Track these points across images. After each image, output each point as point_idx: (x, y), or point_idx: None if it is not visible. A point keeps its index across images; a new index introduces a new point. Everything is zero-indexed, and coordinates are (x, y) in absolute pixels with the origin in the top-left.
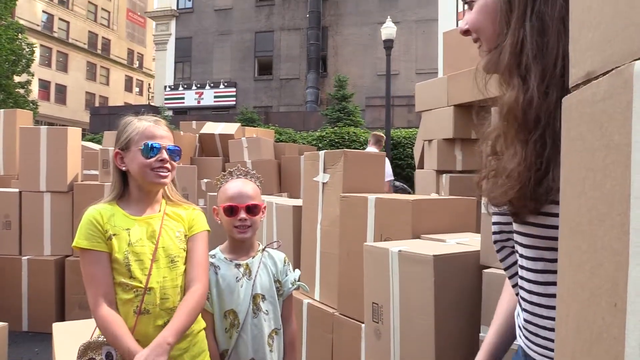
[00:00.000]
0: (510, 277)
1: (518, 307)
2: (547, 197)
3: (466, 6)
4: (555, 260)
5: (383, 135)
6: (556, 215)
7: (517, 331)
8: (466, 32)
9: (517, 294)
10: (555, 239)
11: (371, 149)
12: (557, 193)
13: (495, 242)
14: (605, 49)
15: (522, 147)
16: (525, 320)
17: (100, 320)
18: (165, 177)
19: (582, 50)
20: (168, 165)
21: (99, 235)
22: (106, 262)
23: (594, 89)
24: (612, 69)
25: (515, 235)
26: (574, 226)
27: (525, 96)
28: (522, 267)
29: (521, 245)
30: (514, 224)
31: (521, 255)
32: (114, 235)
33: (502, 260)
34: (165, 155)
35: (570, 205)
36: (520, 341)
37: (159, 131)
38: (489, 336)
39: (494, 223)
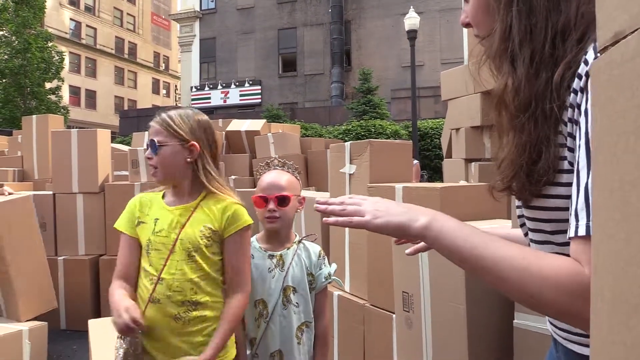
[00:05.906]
0: None
1: None
2: (544, 177)
3: None
4: (565, 244)
5: None
6: (554, 196)
7: (548, 325)
8: (468, 25)
9: None
10: (558, 221)
11: None
12: (554, 173)
13: (521, 225)
14: (632, 6)
15: (513, 134)
16: None
17: (108, 295)
18: (153, 174)
19: (609, 10)
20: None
21: (132, 221)
22: (133, 246)
23: (622, 48)
24: None
25: (525, 220)
26: (606, 195)
27: (514, 81)
28: None
29: (530, 230)
30: (523, 209)
31: (531, 240)
32: (142, 223)
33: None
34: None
35: (602, 172)
36: (552, 333)
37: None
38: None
39: (517, 207)
